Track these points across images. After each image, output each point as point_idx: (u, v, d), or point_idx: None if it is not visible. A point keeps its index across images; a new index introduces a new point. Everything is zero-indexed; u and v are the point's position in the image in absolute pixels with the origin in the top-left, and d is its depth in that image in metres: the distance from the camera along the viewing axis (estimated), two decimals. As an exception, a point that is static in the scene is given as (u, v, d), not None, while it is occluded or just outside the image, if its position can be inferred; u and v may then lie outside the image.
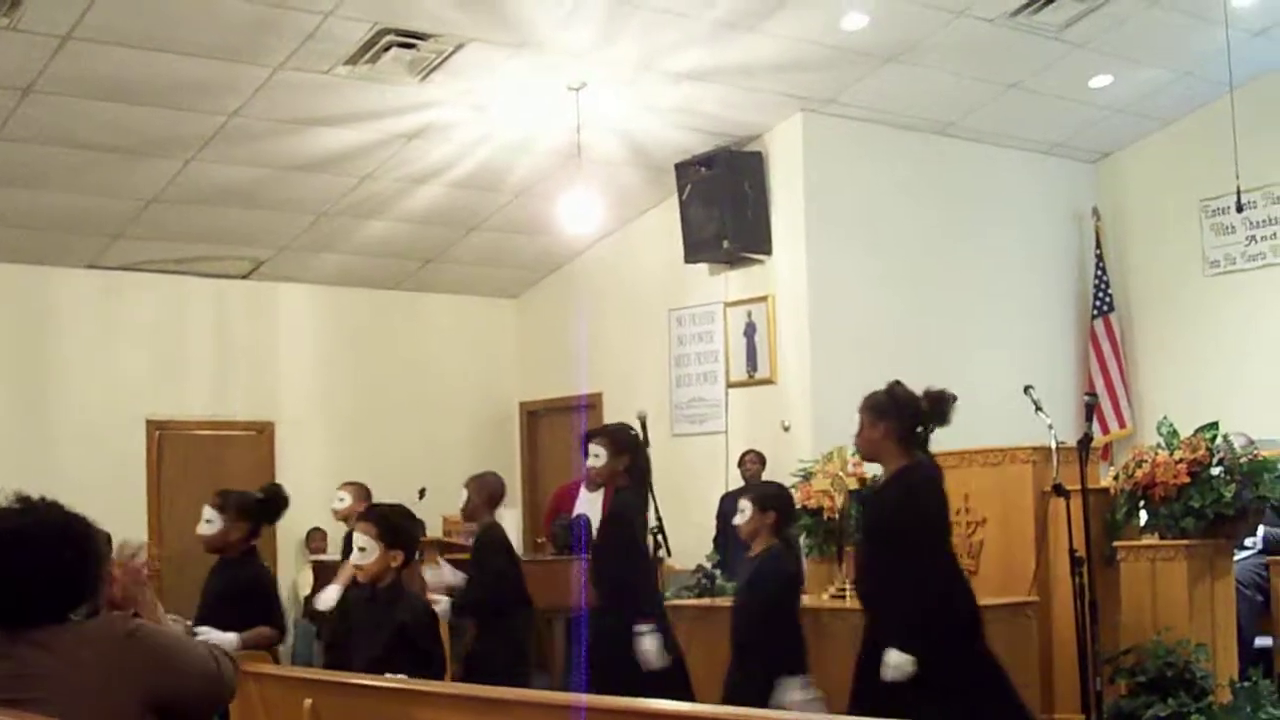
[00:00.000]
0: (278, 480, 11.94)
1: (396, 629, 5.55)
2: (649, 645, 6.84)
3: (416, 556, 6.33)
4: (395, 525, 5.84)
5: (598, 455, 7.23)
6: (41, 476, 11.00)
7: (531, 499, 13.99)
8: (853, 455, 8.46)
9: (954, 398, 6.16)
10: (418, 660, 5.39)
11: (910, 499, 6.06)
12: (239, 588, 6.76)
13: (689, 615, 7.83)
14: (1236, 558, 7.66)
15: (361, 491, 9.11)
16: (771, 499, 6.97)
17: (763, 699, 6.38)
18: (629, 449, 7.32)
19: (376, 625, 5.62)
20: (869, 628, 6.10)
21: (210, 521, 6.84)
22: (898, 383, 6.24)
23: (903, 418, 6.11)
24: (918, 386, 6.19)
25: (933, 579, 5.95)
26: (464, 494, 8.23)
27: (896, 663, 5.75)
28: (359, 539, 5.80)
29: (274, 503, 7.15)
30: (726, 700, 6.52)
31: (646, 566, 7.38)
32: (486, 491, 8.27)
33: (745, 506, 6.87)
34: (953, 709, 5.70)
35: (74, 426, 11.94)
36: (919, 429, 6.14)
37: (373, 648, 5.49)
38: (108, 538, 10.46)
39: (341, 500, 9.00)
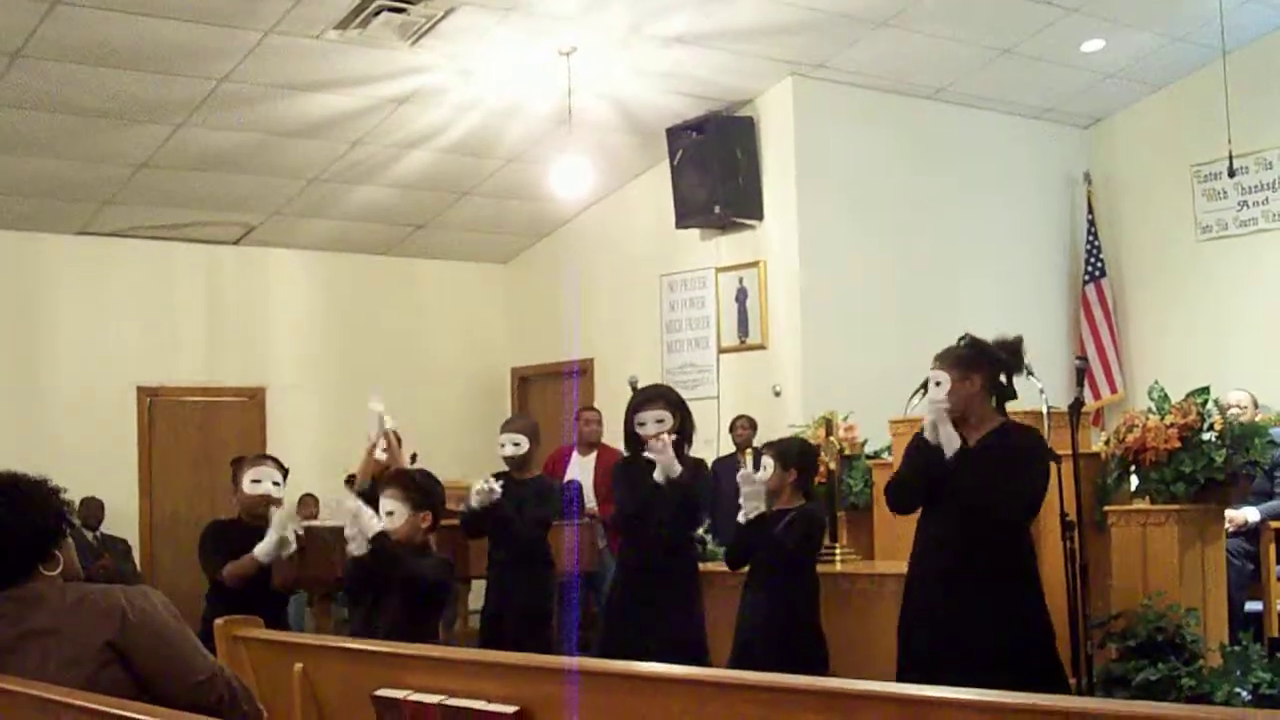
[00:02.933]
0: (269, 447, 12.03)
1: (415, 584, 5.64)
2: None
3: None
4: (422, 487, 5.93)
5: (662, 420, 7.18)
6: (32, 444, 11.09)
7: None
8: (845, 419, 8.48)
9: (1024, 351, 6.10)
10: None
11: (1033, 456, 5.98)
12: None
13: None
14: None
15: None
16: (794, 455, 6.92)
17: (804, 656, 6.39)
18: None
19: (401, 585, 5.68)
20: (947, 580, 5.96)
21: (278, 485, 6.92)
22: (973, 336, 6.15)
23: (993, 368, 6.02)
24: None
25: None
26: (519, 441, 8.10)
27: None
28: (386, 503, 5.85)
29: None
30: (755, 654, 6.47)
31: None
32: (539, 438, 8.23)
33: (768, 463, 6.83)
34: (1022, 674, 5.64)
35: (65, 394, 11.94)
36: (1007, 382, 6.06)
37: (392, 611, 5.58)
38: (100, 504, 10.50)
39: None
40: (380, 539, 5.74)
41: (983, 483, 5.88)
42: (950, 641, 5.77)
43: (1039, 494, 6.01)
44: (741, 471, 6.89)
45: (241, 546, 6.66)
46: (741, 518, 6.85)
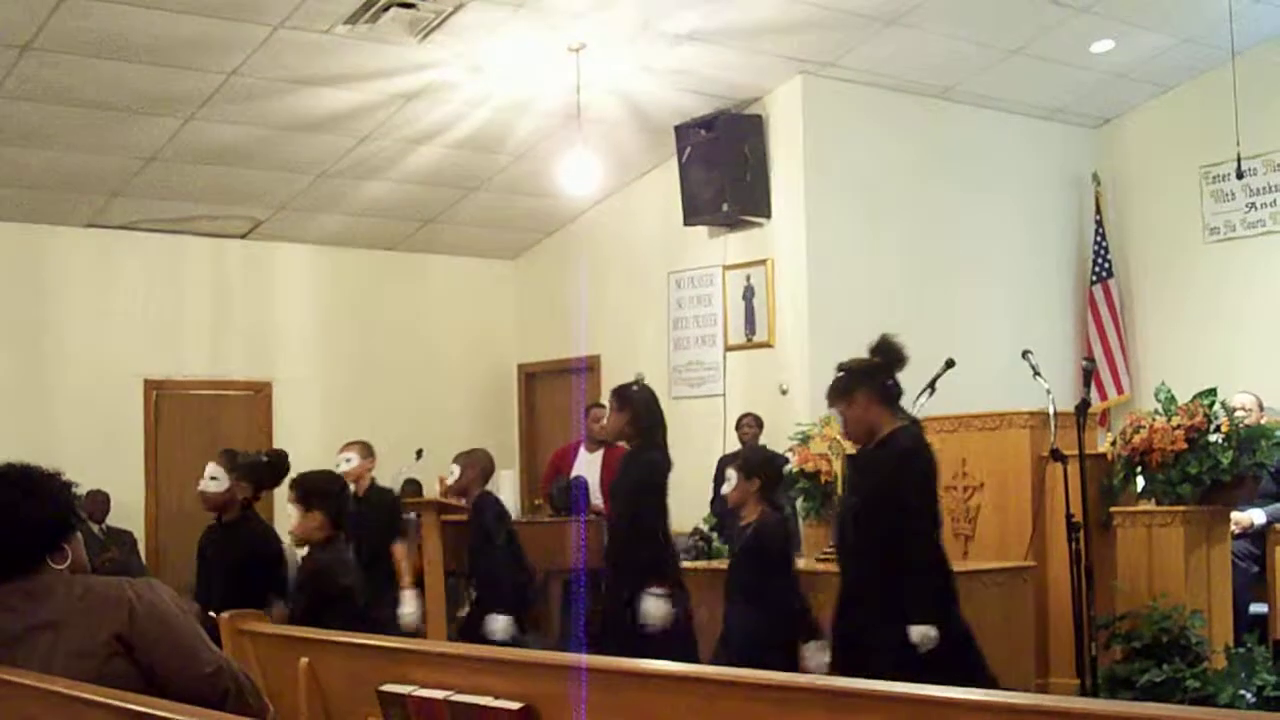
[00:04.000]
0: (275, 441, 12.03)
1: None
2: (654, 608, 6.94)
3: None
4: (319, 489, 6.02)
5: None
6: (39, 436, 11.11)
7: (529, 461, 13.99)
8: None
9: (896, 341, 6.14)
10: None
11: (905, 463, 6.03)
12: (254, 552, 6.79)
13: (687, 579, 7.84)
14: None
15: (366, 450, 9.09)
16: (756, 465, 6.96)
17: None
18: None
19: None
20: (850, 586, 6.08)
21: (216, 479, 6.82)
22: (843, 363, 6.22)
23: (870, 380, 6.07)
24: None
25: (936, 547, 5.96)
26: (454, 470, 8.27)
27: (922, 635, 5.73)
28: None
29: (279, 467, 7.15)
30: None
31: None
32: (478, 467, 8.32)
33: (731, 475, 6.86)
34: (931, 674, 5.69)
35: (71, 386, 11.94)
36: (890, 383, 6.09)
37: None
38: (105, 497, 10.50)
39: (349, 461, 8.95)
40: None
41: (861, 495, 6.11)
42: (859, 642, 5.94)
43: (909, 495, 5.99)
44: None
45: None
46: None
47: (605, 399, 11.93)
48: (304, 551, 6.12)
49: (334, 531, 6.09)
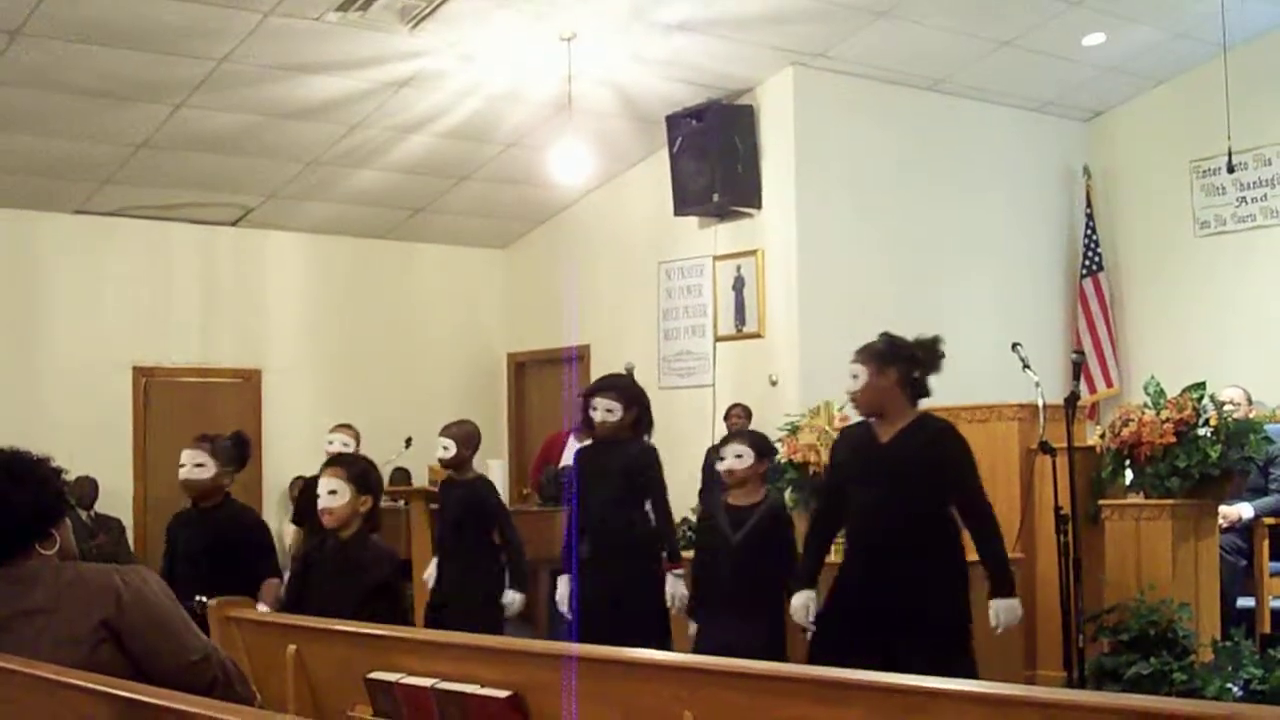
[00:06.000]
0: (264, 429, 12.05)
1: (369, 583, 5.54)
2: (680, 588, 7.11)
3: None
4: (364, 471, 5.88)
5: (610, 410, 7.31)
6: (27, 422, 11.10)
7: (518, 450, 13.99)
8: (840, 410, 8.48)
9: (942, 350, 6.12)
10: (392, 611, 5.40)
11: (954, 438, 6.05)
12: (245, 534, 6.74)
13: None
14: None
15: (354, 434, 9.06)
16: (769, 448, 6.96)
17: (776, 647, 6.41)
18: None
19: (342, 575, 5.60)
20: (873, 572, 5.95)
21: (202, 465, 6.69)
22: (890, 334, 6.20)
23: (908, 365, 6.04)
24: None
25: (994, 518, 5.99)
26: (447, 444, 8.22)
27: (1009, 608, 5.80)
28: (328, 482, 5.76)
29: (246, 448, 7.11)
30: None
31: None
32: (473, 441, 8.28)
33: (744, 451, 6.81)
34: (961, 661, 5.68)
35: (60, 373, 11.92)
36: (917, 377, 6.08)
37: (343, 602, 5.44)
38: (94, 484, 10.51)
39: (346, 445, 8.90)
40: None
41: (905, 470, 5.95)
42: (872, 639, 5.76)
43: (968, 473, 6.02)
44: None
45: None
46: None
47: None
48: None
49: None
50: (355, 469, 5.82)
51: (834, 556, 6.46)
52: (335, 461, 6.05)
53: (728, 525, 6.80)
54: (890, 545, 5.89)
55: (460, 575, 8.06)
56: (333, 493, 5.69)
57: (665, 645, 6.99)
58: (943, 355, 6.10)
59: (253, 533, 6.83)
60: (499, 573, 8.08)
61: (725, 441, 7.16)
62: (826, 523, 6.35)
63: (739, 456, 6.79)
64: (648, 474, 7.41)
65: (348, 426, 9.17)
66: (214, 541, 6.60)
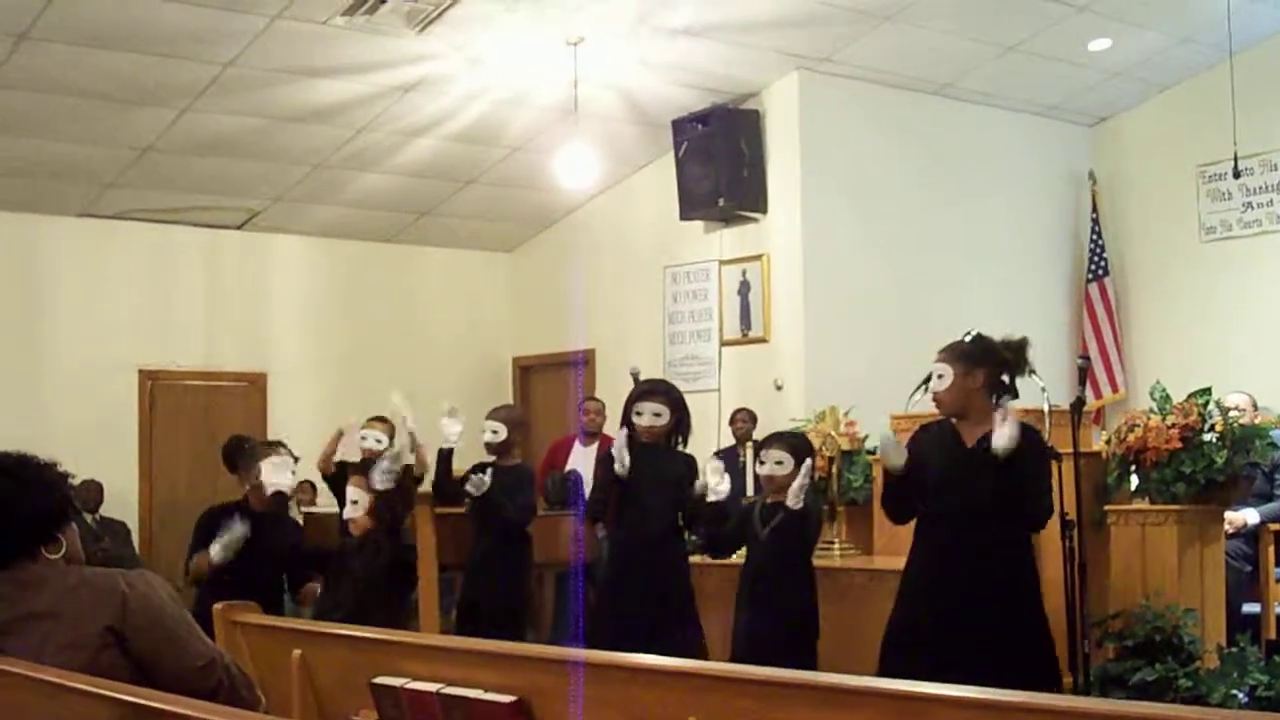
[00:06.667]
0: (270, 433, 12.03)
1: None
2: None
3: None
4: None
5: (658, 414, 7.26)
6: (33, 426, 11.09)
7: (524, 454, 13.90)
8: (845, 414, 8.47)
9: (1030, 356, 6.06)
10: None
11: (1043, 445, 6.02)
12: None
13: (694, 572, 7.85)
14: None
15: (390, 428, 8.88)
16: (808, 451, 6.93)
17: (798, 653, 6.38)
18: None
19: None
20: (949, 583, 5.88)
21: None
22: (980, 333, 6.11)
23: (996, 367, 5.98)
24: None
25: None
26: (497, 428, 8.18)
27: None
28: (354, 492, 5.81)
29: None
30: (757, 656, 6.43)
31: None
32: (521, 426, 8.27)
33: (784, 458, 6.77)
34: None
35: (65, 375, 11.93)
36: (1005, 380, 6.02)
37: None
38: (99, 488, 10.49)
39: (379, 441, 8.70)
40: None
41: (987, 485, 5.85)
42: (948, 653, 5.65)
43: (1048, 492, 5.98)
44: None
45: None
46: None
47: (599, 393, 11.98)
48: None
49: None
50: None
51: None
52: (359, 471, 6.13)
53: (759, 521, 6.82)
54: (970, 561, 5.86)
55: (502, 574, 8.11)
56: (354, 502, 5.76)
57: (701, 646, 6.98)
58: (1028, 364, 6.04)
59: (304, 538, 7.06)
60: (528, 571, 8.14)
61: (764, 445, 7.11)
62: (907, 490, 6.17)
63: (779, 463, 6.78)
64: (689, 488, 7.39)
65: (383, 420, 9.00)
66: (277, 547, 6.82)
